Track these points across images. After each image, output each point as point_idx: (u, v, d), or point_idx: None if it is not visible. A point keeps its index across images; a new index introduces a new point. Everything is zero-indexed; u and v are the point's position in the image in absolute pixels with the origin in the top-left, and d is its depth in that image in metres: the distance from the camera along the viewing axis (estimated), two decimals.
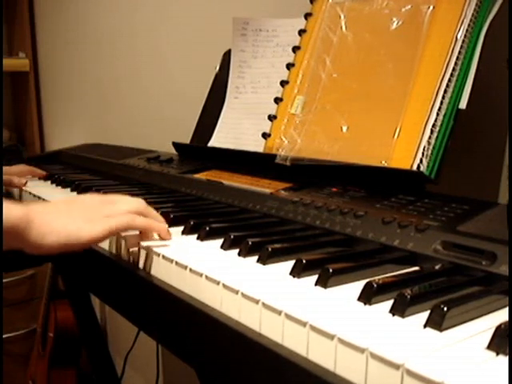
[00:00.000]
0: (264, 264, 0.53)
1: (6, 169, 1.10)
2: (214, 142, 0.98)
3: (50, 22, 2.15)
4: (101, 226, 0.59)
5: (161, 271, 0.57)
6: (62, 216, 0.60)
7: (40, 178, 1.13)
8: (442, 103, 0.68)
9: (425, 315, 0.39)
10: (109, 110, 1.83)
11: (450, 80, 0.68)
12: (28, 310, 2.05)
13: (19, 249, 0.59)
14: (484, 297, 0.43)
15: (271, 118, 0.88)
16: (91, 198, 0.66)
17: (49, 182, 1.08)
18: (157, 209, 0.68)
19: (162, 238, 0.63)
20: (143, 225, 0.62)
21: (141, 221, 0.62)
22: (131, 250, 0.63)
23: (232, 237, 0.59)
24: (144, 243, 0.61)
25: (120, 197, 0.67)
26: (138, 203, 0.65)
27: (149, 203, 0.67)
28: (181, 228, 0.66)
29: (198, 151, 1.02)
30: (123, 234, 0.64)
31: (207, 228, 0.63)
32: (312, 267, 0.50)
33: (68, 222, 0.59)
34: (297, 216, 0.66)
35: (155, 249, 0.59)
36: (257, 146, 0.88)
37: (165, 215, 0.68)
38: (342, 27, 0.83)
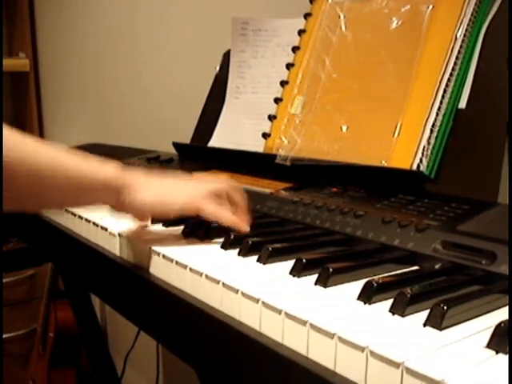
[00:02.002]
0: (264, 263, 0.53)
1: None
2: (213, 142, 0.98)
3: (50, 21, 2.15)
4: (198, 199, 0.62)
5: (161, 271, 0.57)
6: (155, 182, 0.64)
7: None
8: (441, 103, 0.68)
9: (424, 314, 0.39)
10: (109, 109, 1.82)
11: (449, 79, 0.68)
12: (28, 310, 2.05)
13: (112, 205, 0.63)
14: (483, 296, 0.43)
15: (271, 117, 0.88)
16: (180, 178, 0.69)
17: None
18: None
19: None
20: (228, 222, 0.62)
21: (227, 219, 0.62)
22: (132, 249, 0.63)
23: (232, 236, 0.59)
24: (146, 243, 0.61)
25: (209, 178, 0.70)
26: (226, 185, 0.66)
27: None
28: (181, 228, 0.66)
29: (198, 151, 1.02)
30: (129, 236, 0.64)
31: (207, 228, 0.63)
32: (312, 266, 0.50)
33: (162, 186, 0.63)
34: (297, 216, 0.66)
35: (155, 248, 0.59)
36: (257, 145, 0.88)
37: None
38: (341, 27, 0.83)
